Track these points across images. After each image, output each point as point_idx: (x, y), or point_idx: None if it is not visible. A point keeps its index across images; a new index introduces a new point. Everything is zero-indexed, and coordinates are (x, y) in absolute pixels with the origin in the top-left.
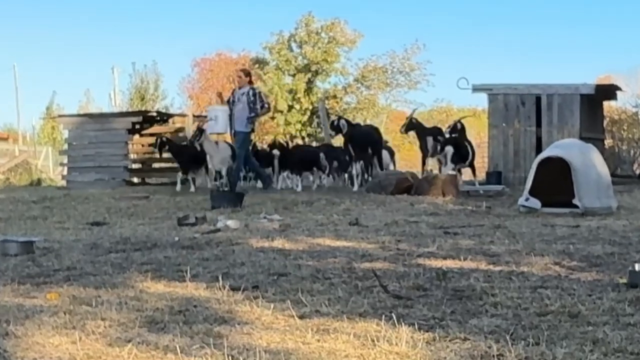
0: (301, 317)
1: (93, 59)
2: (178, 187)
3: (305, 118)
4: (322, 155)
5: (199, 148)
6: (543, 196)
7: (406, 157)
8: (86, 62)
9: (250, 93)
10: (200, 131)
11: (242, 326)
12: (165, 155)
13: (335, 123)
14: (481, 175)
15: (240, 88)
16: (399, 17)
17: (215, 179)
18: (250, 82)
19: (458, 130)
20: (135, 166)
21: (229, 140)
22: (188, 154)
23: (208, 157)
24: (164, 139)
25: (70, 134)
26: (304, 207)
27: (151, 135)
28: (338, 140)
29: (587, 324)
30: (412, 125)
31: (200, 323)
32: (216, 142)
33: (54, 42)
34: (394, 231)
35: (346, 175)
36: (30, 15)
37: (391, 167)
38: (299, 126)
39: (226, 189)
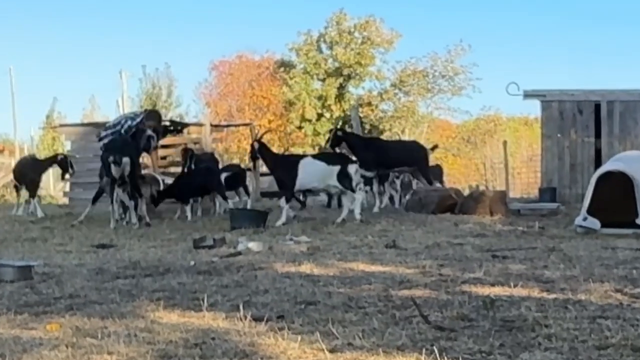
0: (332, 351)
1: (98, 62)
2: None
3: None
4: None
5: None
6: (603, 215)
7: (449, 171)
8: (91, 65)
9: None
10: None
11: None
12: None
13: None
14: (534, 191)
15: None
16: (441, 15)
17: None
18: None
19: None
20: None
21: None
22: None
23: None
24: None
25: (73, 145)
26: (335, 228)
27: (164, 147)
28: None
29: None
30: (338, 138)
31: (218, 357)
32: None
33: (55, 43)
34: (435, 254)
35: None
36: (28, 14)
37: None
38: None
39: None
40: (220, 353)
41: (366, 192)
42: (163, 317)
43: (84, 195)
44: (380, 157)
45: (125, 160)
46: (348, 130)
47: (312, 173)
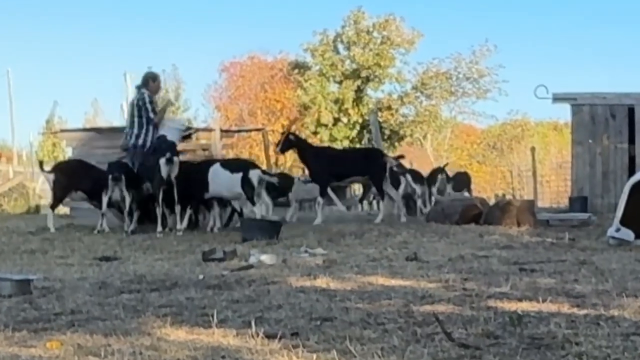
0: None
1: (101, 63)
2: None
3: (354, 133)
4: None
5: None
6: (637, 226)
7: (473, 179)
8: (93, 66)
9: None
10: None
11: None
12: None
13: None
14: (563, 201)
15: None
16: (465, 14)
17: None
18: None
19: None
20: None
21: None
22: None
23: None
24: None
25: (74, 152)
26: (353, 239)
27: None
28: None
29: None
30: (289, 143)
31: None
32: None
33: (55, 43)
34: (459, 268)
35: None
36: (26, 13)
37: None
38: (346, 143)
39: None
40: None
41: (370, 203)
42: (170, 334)
43: (86, 205)
44: (331, 167)
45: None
46: (367, 135)
47: (219, 181)
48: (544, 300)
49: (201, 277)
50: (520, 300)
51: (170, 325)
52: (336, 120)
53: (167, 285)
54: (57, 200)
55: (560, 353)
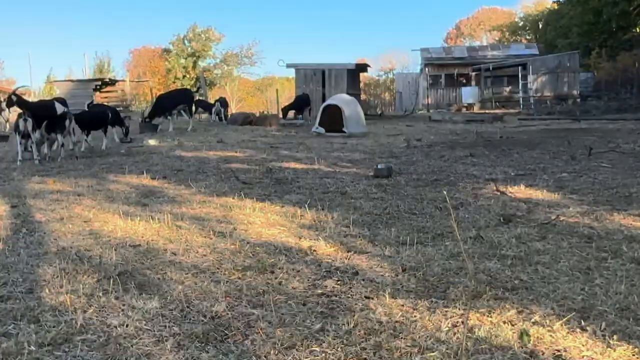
0: (193, 194)
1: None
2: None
3: (193, 82)
4: None
5: None
6: (326, 126)
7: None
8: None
9: None
10: None
11: (171, 199)
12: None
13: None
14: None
15: None
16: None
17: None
18: None
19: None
20: None
21: None
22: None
23: None
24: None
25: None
26: (191, 133)
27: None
28: None
29: (350, 198)
30: (11, 102)
31: (156, 201)
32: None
33: (10, 26)
34: (244, 146)
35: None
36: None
37: None
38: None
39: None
40: (154, 195)
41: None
42: (106, 176)
43: None
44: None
45: None
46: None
47: None
48: (284, 161)
49: (122, 151)
50: (271, 161)
51: (106, 172)
52: (183, 76)
53: (104, 154)
54: None
55: (290, 186)
